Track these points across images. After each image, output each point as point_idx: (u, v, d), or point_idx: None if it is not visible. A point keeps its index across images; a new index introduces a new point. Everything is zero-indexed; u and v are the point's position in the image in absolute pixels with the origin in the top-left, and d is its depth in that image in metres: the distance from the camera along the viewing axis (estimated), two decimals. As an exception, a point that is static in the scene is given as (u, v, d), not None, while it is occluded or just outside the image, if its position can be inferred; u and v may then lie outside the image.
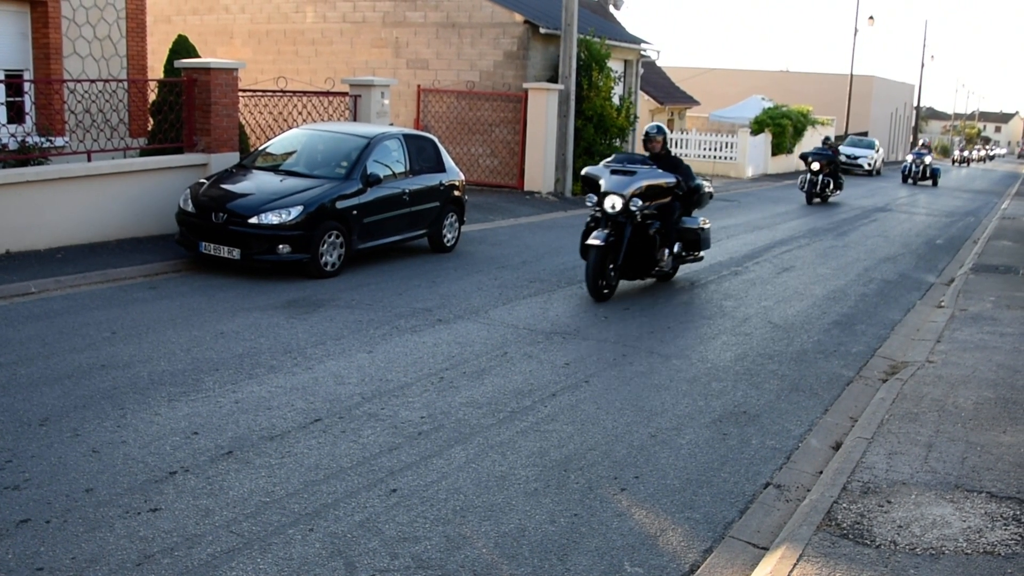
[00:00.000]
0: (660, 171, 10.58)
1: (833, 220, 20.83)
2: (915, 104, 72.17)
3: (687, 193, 11.11)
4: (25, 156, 11.49)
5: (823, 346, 9.00)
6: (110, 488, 4.97)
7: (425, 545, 4.56)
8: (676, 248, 11.16)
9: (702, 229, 11.50)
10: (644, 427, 6.41)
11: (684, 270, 12.61)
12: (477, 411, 6.50)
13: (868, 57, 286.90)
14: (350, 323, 8.70)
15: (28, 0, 13.52)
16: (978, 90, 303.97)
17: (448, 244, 13.08)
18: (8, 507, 4.68)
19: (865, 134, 49.36)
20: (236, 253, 10.36)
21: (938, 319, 10.25)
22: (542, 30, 20.88)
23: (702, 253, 11.91)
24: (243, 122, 13.94)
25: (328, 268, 10.75)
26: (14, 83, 12.93)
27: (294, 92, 14.81)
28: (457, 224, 13.33)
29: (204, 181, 11.27)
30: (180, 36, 14.19)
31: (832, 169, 24.90)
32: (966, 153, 70.09)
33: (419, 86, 21.65)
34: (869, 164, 42.35)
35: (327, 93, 15.16)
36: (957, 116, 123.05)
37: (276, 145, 12.32)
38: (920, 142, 44.45)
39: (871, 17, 54.02)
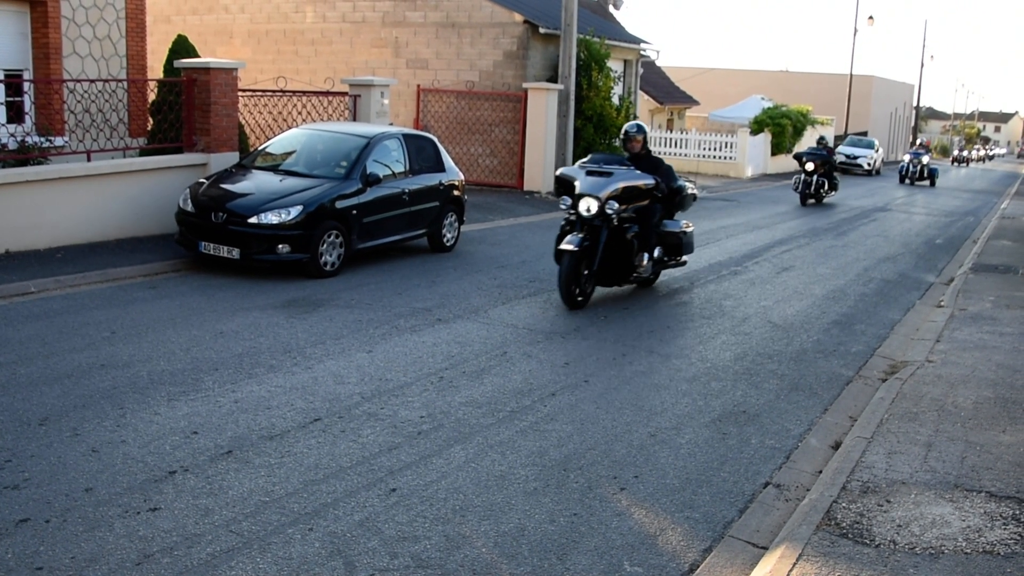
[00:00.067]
0: (638, 172, 10.08)
1: (832, 220, 20.83)
2: (915, 104, 72.20)
3: (668, 195, 10.61)
4: (25, 156, 11.50)
5: (823, 346, 9.00)
6: (110, 487, 4.97)
7: (425, 544, 4.56)
8: (656, 253, 10.59)
9: (684, 232, 10.94)
10: (644, 426, 6.42)
11: (682, 270, 12.61)
12: (477, 411, 6.51)
13: (868, 57, 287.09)
14: (350, 323, 8.70)
15: (28, 0, 13.52)
16: (978, 90, 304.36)
17: (448, 244, 13.08)
18: (8, 506, 4.68)
19: (865, 134, 49.38)
20: (236, 253, 10.36)
21: (938, 319, 10.25)
22: (542, 30, 20.88)
23: (685, 258, 11.40)
24: (243, 122, 13.94)
25: (328, 268, 10.75)
26: (14, 83, 12.93)
27: (294, 92, 14.81)
28: (457, 224, 13.33)
29: (204, 181, 11.27)
30: (180, 36, 14.19)
31: (827, 169, 24.37)
32: (965, 153, 70.03)
33: (419, 86, 21.66)
34: (869, 164, 42.37)
35: (327, 93, 15.16)
36: (957, 116, 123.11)
37: (276, 145, 12.32)
38: (918, 142, 44.00)
39: (871, 17, 53.97)
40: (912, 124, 72.30)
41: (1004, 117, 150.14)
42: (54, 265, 10.09)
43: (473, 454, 5.72)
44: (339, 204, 10.92)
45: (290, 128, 13.36)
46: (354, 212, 11.12)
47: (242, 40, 24.05)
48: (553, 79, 21.20)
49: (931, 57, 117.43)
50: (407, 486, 5.20)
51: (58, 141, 12.66)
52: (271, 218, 10.33)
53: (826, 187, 24.51)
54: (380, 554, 4.44)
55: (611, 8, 39.22)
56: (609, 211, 9.59)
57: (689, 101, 40.75)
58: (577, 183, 9.79)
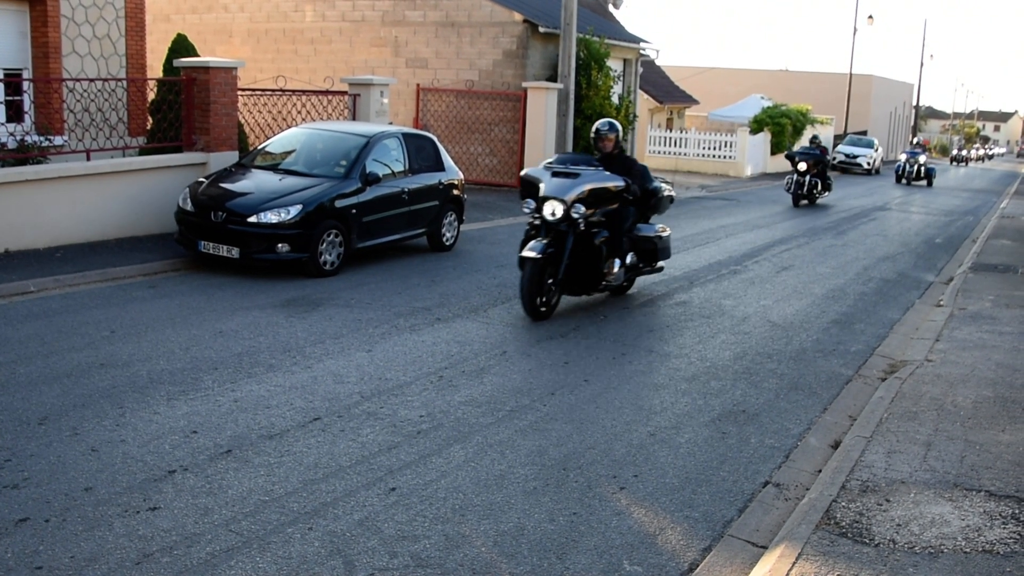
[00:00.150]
0: (607, 173, 9.43)
1: (832, 219, 20.83)
2: (914, 103, 72.19)
3: (642, 197, 10.01)
4: (24, 155, 11.50)
5: (822, 345, 9.00)
6: (109, 487, 4.97)
7: (424, 544, 4.56)
8: (629, 259, 10.00)
9: (659, 237, 10.33)
10: (643, 426, 6.42)
11: (682, 269, 12.61)
12: (476, 410, 6.51)
13: (867, 56, 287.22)
14: (349, 322, 8.70)
15: (27, -1, 13.52)
16: (977, 89, 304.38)
17: (447, 243, 13.08)
18: (7, 506, 4.68)
19: (864, 133, 49.38)
20: (235, 252, 10.36)
21: (937, 318, 10.26)
22: (541, 29, 20.88)
23: (662, 263, 10.77)
24: (242, 121, 13.94)
25: (327, 267, 10.74)
26: (13, 82, 12.93)
27: (293, 91, 14.81)
28: (456, 223, 13.33)
29: (203, 180, 11.27)
30: (179, 35, 14.19)
31: (820, 169, 23.69)
32: (964, 152, 69.99)
33: (418, 85, 21.66)
34: (868, 163, 42.34)
35: (326, 92, 15.16)
36: (956, 115, 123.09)
37: (275, 144, 12.32)
38: (914, 140, 43.38)
39: (870, 16, 53.94)
40: (912, 123, 72.31)
41: (1004, 116, 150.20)
42: (53, 264, 10.08)
43: (473, 453, 5.72)
44: (339, 203, 10.92)
45: (289, 127, 13.36)
46: (354, 211, 11.12)
47: (241, 39, 24.05)
48: (553, 78, 21.20)
49: (931, 56, 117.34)
50: (407, 485, 5.20)
51: (57, 140, 12.66)
52: (271, 217, 10.33)
53: (819, 187, 23.84)
54: (380, 553, 4.44)
55: (611, 7, 39.20)
56: (575, 215, 9.01)
57: (689, 100, 40.75)
58: (542, 185, 9.18)
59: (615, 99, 23.49)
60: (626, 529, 4.86)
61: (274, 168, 11.61)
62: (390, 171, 11.95)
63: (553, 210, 8.96)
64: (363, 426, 6.05)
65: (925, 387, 7.38)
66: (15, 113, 12.77)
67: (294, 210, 10.42)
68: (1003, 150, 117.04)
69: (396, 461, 5.52)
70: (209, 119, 12.53)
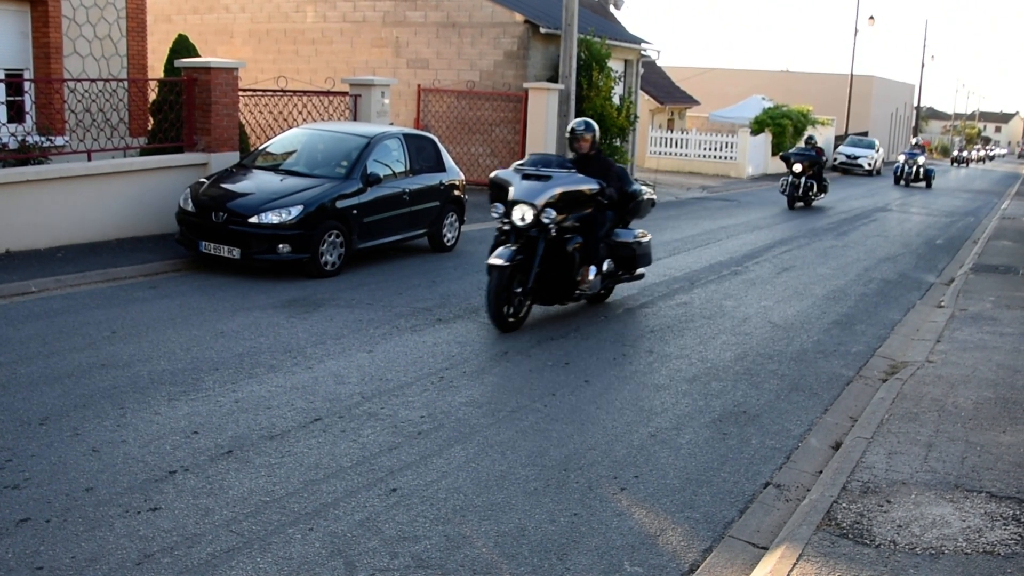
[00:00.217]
0: (580, 176, 8.95)
1: (832, 220, 20.83)
2: (915, 104, 72.17)
3: (621, 201, 9.57)
4: (25, 155, 11.51)
5: (823, 346, 9.00)
6: (110, 487, 4.97)
7: (425, 544, 4.56)
8: (606, 266, 9.51)
9: (639, 243, 9.83)
10: (644, 427, 6.42)
11: (683, 270, 12.62)
12: (477, 410, 6.51)
13: (868, 57, 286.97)
14: (350, 322, 8.71)
15: (28, -1, 13.53)
16: (978, 90, 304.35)
17: (448, 244, 13.08)
18: (8, 506, 4.68)
19: (865, 134, 49.37)
20: (236, 252, 10.37)
21: (938, 319, 10.25)
22: (542, 30, 20.88)
23: (642, 271, 10.27)
24: (243, 121, 13.95)
25: (328, 267, 10.75)
26: (14, 82, 12.94)
27: (294, 92, 14.82)
28: (457, 224, 13.33)
29: (204, 180, 11.27)
30: (180, 35, 14.20)
31: (816, 171, 22.98)
32: (965, 153, 69.88)
33: (419, 86, 21.66)
34: (869, 164, 42.33)
35: (327, 93, 15.16)
36: (957, 116, 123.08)
37: (276, 144, 12.32)
38: (913, 141, 42.66)
39: (871, 17, 54.07)
40: (913, 124, 72.30)
41: (1005, 117, 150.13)
42: (55, 265, 10.09)
43: (473, 454, 5.72)
44: (339, 204, 10.92)
45: (291, 128, 13.37)
46: (354, 212, 11.12)
47: (243, 40, 24.05)
48: (554, 79, 21.20)
49: (932, 57, 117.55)
50: (407, 486, 5.20)
51: (59, 141, 12.67)
52: (271, 218, 10.33)
53: (815, 189, 23.16)
54: (380, 554, 4.44)
55: (612, 8, 39.21)
56: (546, 220, 8.48)
57: (690, 101, 40.76)
58: (511, 188, 8.69)
59: (616, 100, 23.48)
60: (627, 530, 4.86)
61: (275, 169, 11.61)
62: (391, 172, 11.95)
63: (523, 215, 8.47)
64: (364, 427, 6.06)
65: (926, 388, 7.38)
66: (16, 113, 12.78)
67: (295, 211, 10.42)
68: (1004, 151, 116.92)
69: (397, 462, 5.52)
70: (210, 119, 12.54)
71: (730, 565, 4.60)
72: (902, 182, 35.26)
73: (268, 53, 23.66)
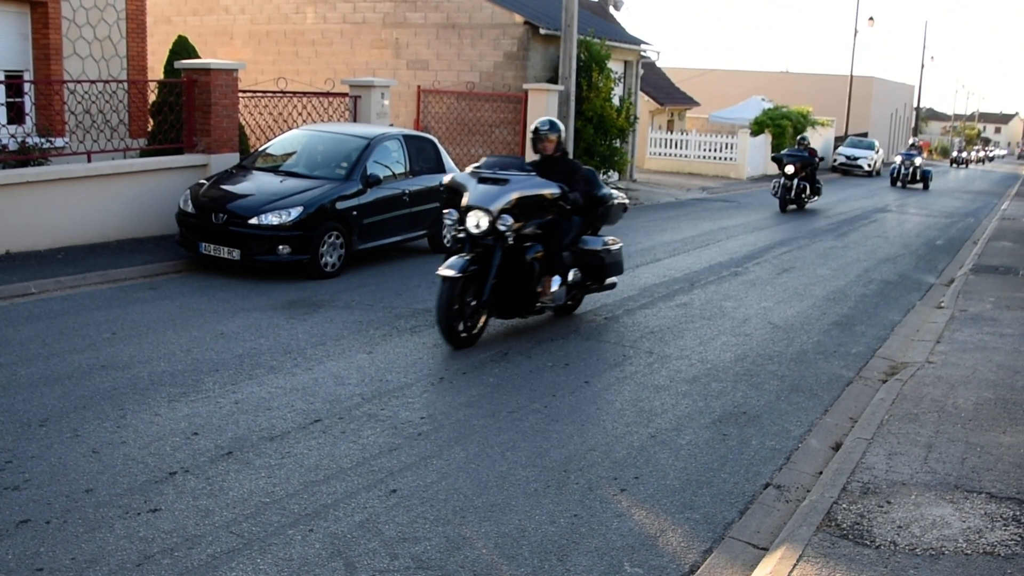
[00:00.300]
0: (539, 180, 8.30)
1: (832, 221, 20.83)
2: (915, 105, 72.19)
3: (589, 206, 9.00)
4: (25, 157, 11.51)
5: (823, 347, 9.00)
6: (110, 488, 4.97)
7: (425, 545, 4.56)
8: (571, 276, 8.92)
9: (608, 251, 9.21)
10: (644, 428, 6.42)
11: (682, 270, 12.62)
12: (477, 411, 6.51)
13: (868, 58, 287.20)
14: (350, 324, 8.71)
15: (28, 1, 13.52)
16: (978, 91, 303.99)
17: (448, 245, 13.06)
18: (8, 507, 4.68)
19: (865, 135, 49.41)
20: (236, 254, 10.37)
21: (938, 320, 10.25)
22: (542, 31, 20.89)
23: (613, 279, 9.65)
24: (243, 123, 13.95)
25: (328, 269, 10.75)
26: (14, 84, 12.95)
27: (294, 93, 14.82)
28: (457, 225, 13.32)
29: (204, 182, 11.28)
30: (180, 37, 14.21)
31: (809, 172, 22.34)
32: (964, 154, 69.80)
33: (419, 87, 21.66)
34: (869, 165, 42.33)
35: (327, 94, 15.17)
36: (957, 117, 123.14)
37: (276, 146, 12.33)
38: (910, 142, 41.76)
39: (871, 18, 54.17)
40: (912, 125, 72.33)
41: (1004, 118, 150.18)
42: (55, 266, 10.09)
43: (473, 455, 5.72)
44: (339, 205, 10.93)
45: (290, 129, 13.37)
46: (354, 213, 11.12)
47: (242, 41, 24.06)
48: (553, 80, 21.21)
49: (931, 58, 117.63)
50: (407, 487, 5.20)
51: (58, 142, 12.68)
52: (271, 219, 10.34)
53: (808, 191, 22.54)
54: (380, 555, 4.44)
55: (611, 9, 39.22)
56: (502, 227, 7.88)
57: (689, 102, 40.77)
58: (466, 193, 8.11)
59: (616, 101, 23.49)
60: (627, 531, 4.86)
61: (275, 170, 11.62)
62: (391, 173, 11.96)
63: (477, 222, 7.89)
64: (364, 428, 6.06)
65: (926, 389, 7.38)
66: (16, 115, 12.78)
67: (295, 212, 10.43)
68: (1004, 152, 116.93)
69: (397, 463, 5.53)
70: (210, 121, 12.54)
71: (730, 566, 4.60)
72: (898, 184, 34.50)
73: (268, 54, 23.66)
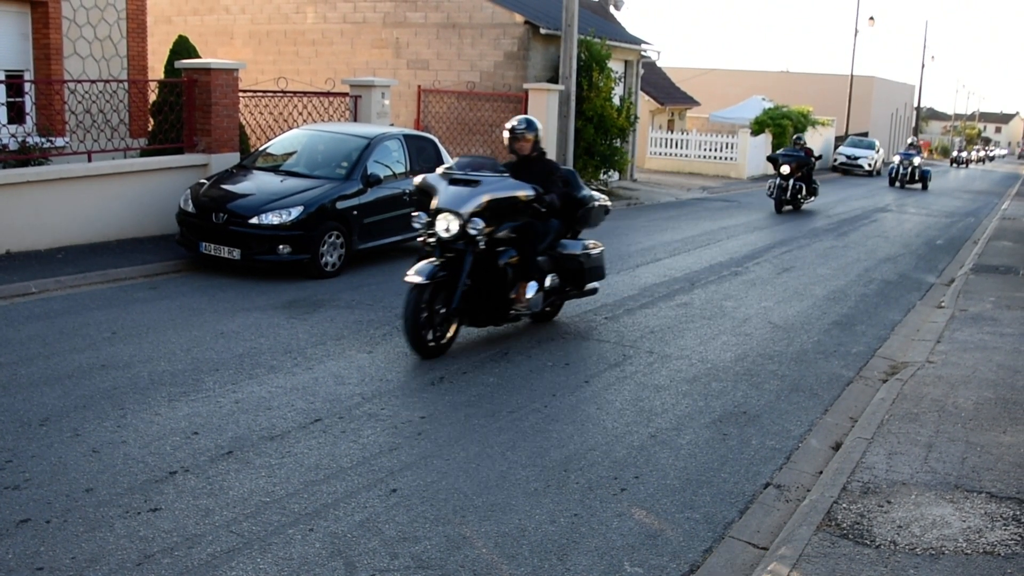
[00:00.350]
0: (512, 181, 7.96)
1: (832, 221, 20.83)
2: (915, 105, 72.18)
3: (567, 208, 8.66)
4: (25, 156, 11.52)
5: (823, 346, 9.00)
6: (110, 488, 4.97)
7: (425, 545, 4.56)
8: (549, 281, 8.56)
9: (588, 255, 8.84)
10: (644, 427, 6.42)
11: (683, 270, 12.62)
12: (477, 411, 6.51)
13: (868, 58, 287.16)
14: (350, 323, 8.71)
15: (29, 1, 13.53)
16: (978, 91, 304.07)
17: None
18: (8, 507, 4.68)
19: (865, 134, 49.39)
20: (236, 253, 10.37)
21: (938, 319, 10.25)
22: (542, 30, 20.88)
23: (595, 285, 9.23)
24: (243, 122, 13.95)
25: (328, 268, 10.75)
26: (14, 83, 12.95)
27: (294, 92, 14.82)
28: (457, 224, 13.31)
29: (204, 181, 11.28)
30: (180, 36, 14.21)
31: (805, 172, 21.95)
32: (964, 154, 69.72)
33: (419, 87, 21.65)
34: (869, 165, 42.33)
35: (327, 93, 15.17)
36: (957, 117, 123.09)
37: (276, 145, 12.33)
38: (908, 141, 41.29)
39: (871, 18, 54.11)
40: (913, 125, 72.32)
41: (1005, 118, 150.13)
42: (55, 265, 10.09)
43: (473, 454, 5.72)
44: (340, 205, 10.93)
45: (291, 129, 13.37)
46: (355, 213, 11.13)
47: (243, 41, 24.06)
48: (554, 80, 21.20)
49: (932, 58, 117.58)
50: (408, 486, 5.20)
51: (59, 142, 12.68)
52: (272, 219, 10.34)
53: (804, 192, 22.16)
54: (381, 555, 4.44)
55: (612, 9, 39.22)
56: (472, 231, 7.54)
57: (690, 102, 40.76)
58: (436, 195, 7.78)
59: (616, 101, 23.48)
60: (627, 530, 4.87)
61: (275, 169, 11.62)
62: (391, 172, 11.96)
63: (447, 225, 7.54)
64: (364, 427, 6.06)
65: (926, 388, 7.38)
66: (17, 114, 12.78)
67: (295, 211, 10.43)
68: (1004, 151, 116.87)
69: (397, 462, 5.53)
70: (210, 120, 12.54)
71: (730, 566, 4.60)
72: (897, 183, 34.01)
73: (268, 54, 23.66)
